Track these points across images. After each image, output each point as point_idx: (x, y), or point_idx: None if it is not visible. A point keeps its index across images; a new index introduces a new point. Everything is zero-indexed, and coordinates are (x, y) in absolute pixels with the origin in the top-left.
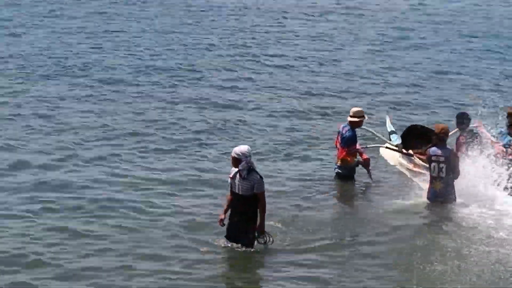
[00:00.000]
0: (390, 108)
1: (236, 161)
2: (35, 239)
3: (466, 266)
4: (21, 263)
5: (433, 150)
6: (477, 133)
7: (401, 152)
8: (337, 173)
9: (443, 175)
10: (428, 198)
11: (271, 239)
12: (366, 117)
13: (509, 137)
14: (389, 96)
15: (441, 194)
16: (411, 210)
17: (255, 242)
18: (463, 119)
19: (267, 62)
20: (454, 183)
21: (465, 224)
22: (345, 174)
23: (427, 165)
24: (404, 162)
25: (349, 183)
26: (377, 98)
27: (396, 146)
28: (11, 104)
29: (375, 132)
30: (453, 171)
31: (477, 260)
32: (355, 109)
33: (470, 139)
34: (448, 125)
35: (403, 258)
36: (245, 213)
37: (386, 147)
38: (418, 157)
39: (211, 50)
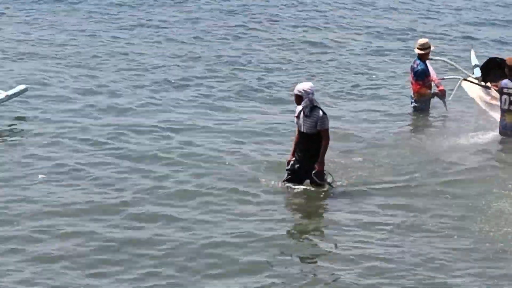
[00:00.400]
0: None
1: (299, 99)
2: None
3: None
4: None
5: (505, 82)
6: None
7: (479, 84)
8: (414, 107)
9: None
10: (499, 131)
11: (332, 179)
12: (433, 47)
13: None
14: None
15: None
16: (483, 145)
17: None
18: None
19: None
20: None
21: None
22: (421, 108)
23: None
24: (483, 94)
25: (425, 116)
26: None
27: (476, 78)
28: None
29: (456, 65)
30: None
31: None
32: (421, 40)
33: None
34: None
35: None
36: (308, 150)
37: (464, 79)
38: (495, 90)
39: None
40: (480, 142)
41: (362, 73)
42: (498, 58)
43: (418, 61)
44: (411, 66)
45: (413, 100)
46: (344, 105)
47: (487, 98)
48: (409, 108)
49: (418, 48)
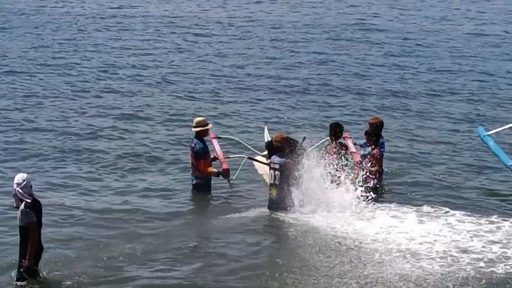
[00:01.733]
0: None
1: None
2: None
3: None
4: None
5: (273, 157)
6: (344, 143)
7: (262, 163)
8: (194, 184)
9: (278, 182)
10: (267, 206)
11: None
12: (211, 125)
13: (368, 149)
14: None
15: (276, 201)
16: (252, 221)
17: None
18: (336, 129)
19: None
20: (293, 190)
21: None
22: (202, 184)
23: None
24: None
25: (207, 194)
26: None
27: (264, 156)
28: None
29: (244, 143)
30: (286, 178)
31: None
32: (197, 119)
33: (338, 149)
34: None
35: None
36: (20, 244)
37: (249, 157)
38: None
39: None
40: (248, 219)
41: None
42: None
43: (195, 140)
44: (190, 145)
45: (194, 177)
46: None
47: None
48: (188, 186)
49: (194, 127)
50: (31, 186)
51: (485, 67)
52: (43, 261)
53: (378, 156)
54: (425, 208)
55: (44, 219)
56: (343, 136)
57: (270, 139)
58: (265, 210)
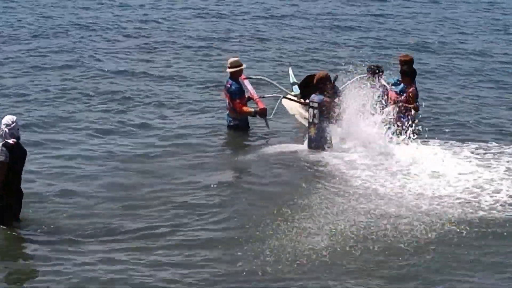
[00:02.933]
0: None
1: None
2: None
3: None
4: None
5: (312, 97)
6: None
7: (299, 102)
8: (231, 125)
9: (316, 121)
10: (307, 145)
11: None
12: (244, 65)
13: (402, 85)
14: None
15: (315, 139)
16: (291, 159)
17: None
18: (375, 70)
19: None
20: (332, 128)
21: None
22: (239, 125)
23: None
24: (302, 111)
25: (244, 134)
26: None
27: (295, 96)
28: None
29: (275, 83)
30: (325, 116)
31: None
32: (232, 59)
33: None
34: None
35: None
36: None
37: (284, 97)
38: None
39: None
40: (286, 157)
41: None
42: (314, 74)
43: (230, 81)
44: (225, 86)
45: (231, 119)
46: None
47: (307, 115)
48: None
49: (229, 67)
50: (18, 129)
51: None
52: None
53: (415, 93)
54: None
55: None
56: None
57: (295, 79)
58: (303, 148)
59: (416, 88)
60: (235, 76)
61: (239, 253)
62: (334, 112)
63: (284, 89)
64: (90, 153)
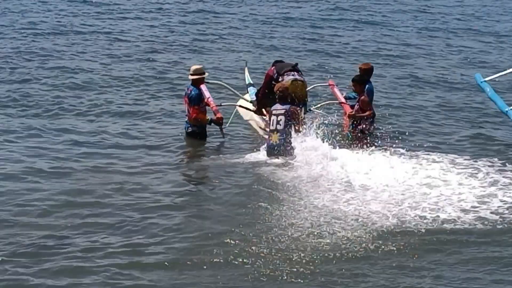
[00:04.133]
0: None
1: None
2: None
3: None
4: None
5: (274, 106)
6: None
7: (255, 112)
8: (189, 132)
9: (280, 127)
10: (267, 152)
11: None
12: (207, 73)
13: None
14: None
15: (278, 146)
16: (251, 167)
17: None
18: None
19: None
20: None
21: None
22: (197, 132)
23: None
24: (257, 119)
25: (202, 141)
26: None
27: (251, 102)
28: None
29: (232, 89)
30: (291, 124)
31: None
32: (195, 66)
33: None
34: None
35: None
36: None
37: (240, 106)
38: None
39: None
40: (247, 163)
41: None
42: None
43: (191, 87)
44: (185, 92)
45: (189, 125)
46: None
47: (262, 124)
48: (182, 134)
49: (191, 74)
50: None
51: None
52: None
53: (367, 100)
54: (416, 153)
55: None
56: (328, 83)
57: (250, 80)
58: (263, 157)
59: (369, 95)
60: (197, 84)
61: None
62: (299, 121)
63: (241, 96)
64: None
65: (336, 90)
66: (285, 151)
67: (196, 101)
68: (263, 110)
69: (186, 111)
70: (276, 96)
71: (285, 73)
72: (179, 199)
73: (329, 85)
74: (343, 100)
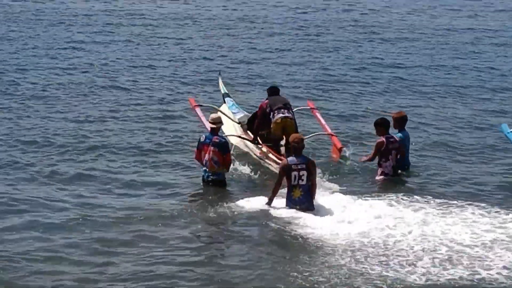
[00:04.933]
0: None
1: None
2: None
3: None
4: None
5: (291, 159)
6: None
7: (252, 142)
8: (210, 180)
9: (303, 182)
10: (288, 205)
11: None
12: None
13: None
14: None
15: (300, 201)
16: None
17: None
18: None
19: None
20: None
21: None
22: (219, 180)
23: (276, 157)
24: (251, 145)
25: (224, 188)
26: None
27: (239, 123)
28: None
29: (226, 113)
30: (312, 177)
31: None
32: (215, 115)
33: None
34: None
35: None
36: None
37: (240, 137)
38: (266, 146)
39: None
40: (271, 215)
41: None
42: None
43: (215, 136)
44: (210, 141)
45: (210, 174)
46: None
47: (256, 151)
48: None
49: (211, 123)
50: None
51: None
52: None
53: (378, 145)
54: (438, 200)
55: None
56: (310, 107)
57: (225, 90)
58: (285, 208)
59: (402, 143)
60: (216, 132)
61: None
62: (315, 174)
63: (234, 119)
64: None
65: (318, 115)
66: (308, 206)
67: (228, 148)
68: (258, 138)
69: (207, 160)
70: (291, 147)
71: (276, 110)
72: (203, 253)
73: (310, 108)
74: (330, 131)
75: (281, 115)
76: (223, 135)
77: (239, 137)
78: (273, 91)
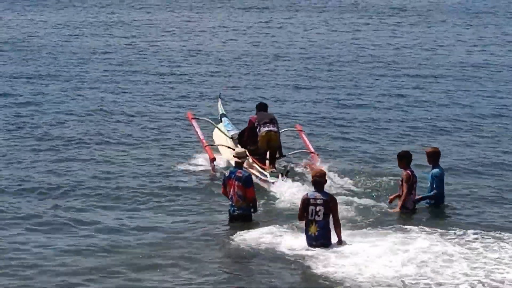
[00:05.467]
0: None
1: None
2: None
3: None
4: None
5: (311, 194)
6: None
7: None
8: (235, 215)
9: (319, 218)
10: (307, 243)
11: None
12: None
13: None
14: None
15: (317, 238)
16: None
17: None
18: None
19: None
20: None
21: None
22: (245, 214)
23: (260, 167)
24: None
25: (250, 222)
26: None
27: (231, 137)
28: None
29: (220, 128)
30: (330, 213)
31: None
32: (239, 150)
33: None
34: None
35: None
36: None
37: (229, 147)
38: (252, 158)
39: None
40: (288, 253)
41: None
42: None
43: (239, 170)
44: (228, 176)
45: (235, 208)
46: None
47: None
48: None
49: (236, 157)
50: None
51: None
52: None
53: (404, 178)
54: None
55: None
56: (296, 128)
57: (223, 111)
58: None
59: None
60: (240, 166)
61: None
62: (337, 211)
63: (227, 135)
64: None
65: (304, 136)
66: (325, 243)
67: (250, 182)
68: (246, 151)
69: (232, 195)
70: (312, 181)
71: (263, 124)
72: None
73: (297, 130)
74: (312, 149)
75: (266, 128)
76: (214, 144)
77: (229, 147)
78: (262, 106)
